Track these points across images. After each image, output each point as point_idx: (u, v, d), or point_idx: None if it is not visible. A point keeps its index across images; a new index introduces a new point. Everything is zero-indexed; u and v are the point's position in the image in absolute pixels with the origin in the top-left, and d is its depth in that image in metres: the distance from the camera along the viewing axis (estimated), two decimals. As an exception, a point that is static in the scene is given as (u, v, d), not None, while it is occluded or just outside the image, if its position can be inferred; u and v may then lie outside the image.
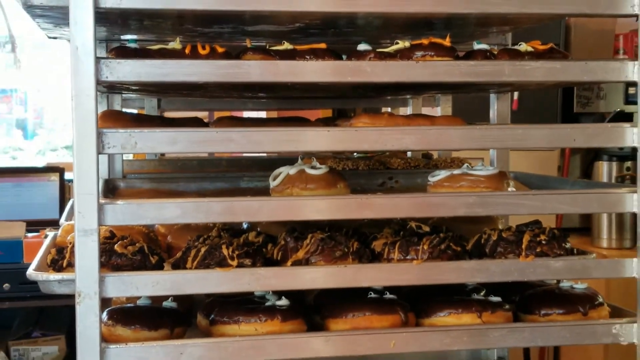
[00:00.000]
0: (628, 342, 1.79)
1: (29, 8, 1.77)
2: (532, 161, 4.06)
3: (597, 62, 1.83)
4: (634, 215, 1.79)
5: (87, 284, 1.59)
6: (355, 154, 2.96)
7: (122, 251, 1.78)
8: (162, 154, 3.19)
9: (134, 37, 1.89)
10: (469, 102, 2.76)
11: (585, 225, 4.36)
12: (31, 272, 1.79)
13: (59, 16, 1.82)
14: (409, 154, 2.92)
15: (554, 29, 4.24)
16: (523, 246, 1.83)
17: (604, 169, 4.29)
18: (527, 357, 3.97)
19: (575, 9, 1.82)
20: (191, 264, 1.78)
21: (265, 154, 3.22)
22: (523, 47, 1.90)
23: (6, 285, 3.85)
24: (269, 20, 1.93)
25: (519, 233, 1.88)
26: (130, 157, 3.18)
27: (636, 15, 1.78)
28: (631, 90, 4.41)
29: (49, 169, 4.59)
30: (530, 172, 2.54)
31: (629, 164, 4.23)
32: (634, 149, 1.81)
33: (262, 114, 3.37)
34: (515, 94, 4.11)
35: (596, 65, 1.83)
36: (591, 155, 4.45)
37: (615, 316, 1.87)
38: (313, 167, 1.87)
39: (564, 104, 4.50)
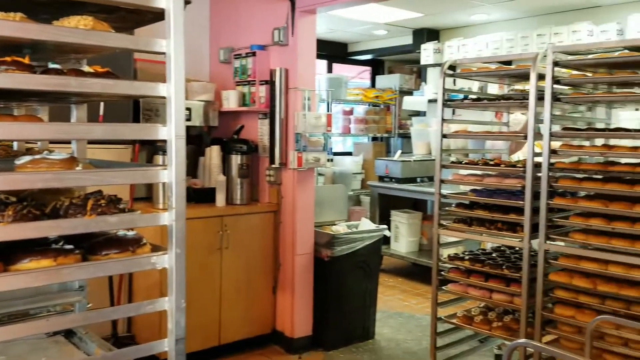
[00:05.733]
0: (162, 267, 1.61)
1: None
2: (112, 156, 3.74)
3: (140, 82, 1.63)
4: (165, 184, 1.63)
5: None
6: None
7: None
8: None
9: None
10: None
11: (150, 195, 4.14)
12: None
13: None
14: (15, 145, 2.41)
15: (128, 69, 3.94)
16: (88, 208, 1.56)
17: (159, 159, 4.11)
18: (111, 282, 3.65)
19: (123, 44, 1.59)
20: None
21: None
22: (87, 68, 1.62)
23: None
24: None
25: (86, 199, 1.60)
26: None
27: (164, 53, 1.61)
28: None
29: None
30: (105, 159, 2.24)
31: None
32: (164, 140, 1.63)
33: None
34: (101, 111, 3.72)
35: (140, 84, 1.63)
36: (152, 151, 4.23)
37: (155, 251, 1.68)
38: None
39: (134, 118, 4.21)
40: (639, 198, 2.69)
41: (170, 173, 1.59)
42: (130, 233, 1.69)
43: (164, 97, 1.62)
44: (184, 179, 1.62)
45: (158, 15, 1.68)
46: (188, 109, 4.06)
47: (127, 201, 3.84)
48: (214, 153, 4.13)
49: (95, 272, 1.54)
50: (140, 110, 4.14)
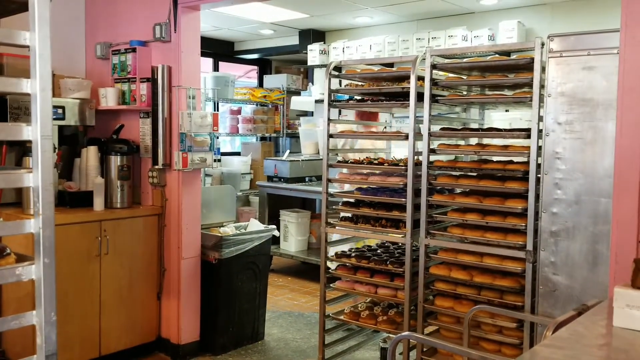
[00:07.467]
0: (29, 279, 1.49)
1: None
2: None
3: (1, 78, 1.49)
4: (31, 188, 1.50)
5: None
6: None
7: None
8: None
9: None
10: None
11: (19, 200, 3.83)
12: None
13: None
14: None
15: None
16: (-61, 216, 1.41)
17: (28, 162, 3.82)
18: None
19: (-22, 36, 1.45)
20: None
21: None
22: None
23: None
24: None
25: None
26: None
27: (27, 46, 1.49)
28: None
29: None
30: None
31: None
32: (30, 141, 1.51)
33: None
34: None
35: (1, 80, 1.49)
36: (21, 153, 3.92)
37: (21, 261, 1.55)
38: None
39: (2, 117, 3.87)
40: (509, 194, 2.90)
41: (36, 177, 1.47)
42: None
43: (28, 94, 1.50)
44: (51, 182, 1.51)
45: (21, 5, 1.55)
46: (61, 107, 3.81)
47: (-8, 207, 3.53)
48: (90, 154, 3.91)
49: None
50: (7, 108, 3.83)
